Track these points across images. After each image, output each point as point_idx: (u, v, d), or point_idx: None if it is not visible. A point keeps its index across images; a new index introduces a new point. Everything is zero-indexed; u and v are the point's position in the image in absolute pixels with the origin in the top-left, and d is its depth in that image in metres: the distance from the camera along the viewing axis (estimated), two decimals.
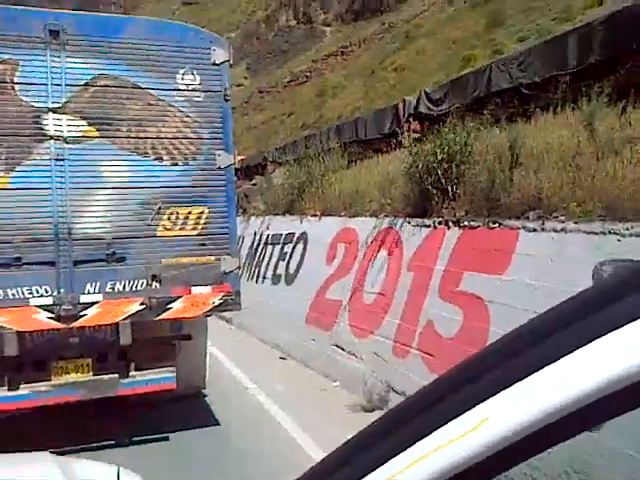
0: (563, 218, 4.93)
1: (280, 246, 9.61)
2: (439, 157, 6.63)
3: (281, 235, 9.70)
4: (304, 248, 8.79)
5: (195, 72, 5.18)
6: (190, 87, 5.18)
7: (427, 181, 6.62)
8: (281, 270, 9.28)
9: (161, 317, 5.00)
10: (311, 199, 9.51)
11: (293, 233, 9.26)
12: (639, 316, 0.43)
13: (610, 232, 4.32)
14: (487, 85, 11.01)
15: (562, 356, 0.46)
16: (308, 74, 48.58)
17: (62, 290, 4.75)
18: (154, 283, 5.02)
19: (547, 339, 0.48)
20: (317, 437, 5.03)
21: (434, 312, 5.58)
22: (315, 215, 8.97)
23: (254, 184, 14.17)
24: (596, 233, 4.41)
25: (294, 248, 9.08)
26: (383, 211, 7.37)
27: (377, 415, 0.61)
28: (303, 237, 8.93)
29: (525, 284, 4.70)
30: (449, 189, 6.44)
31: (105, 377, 4.99)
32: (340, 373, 6.71)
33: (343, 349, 6.89)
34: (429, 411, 0.53)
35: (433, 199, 6.54)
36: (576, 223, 4.70)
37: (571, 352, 0.45)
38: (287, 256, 9.22)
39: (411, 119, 12.79)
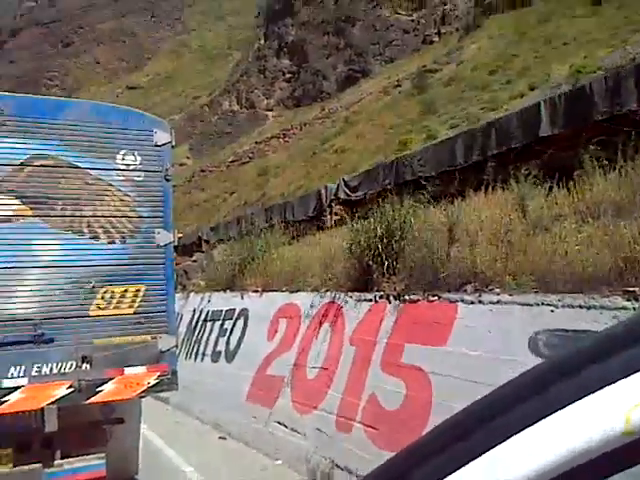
0: (499, 291, 5.09)
1: (220, 322, 9.41)
2: (379, 233, 6.81)
3: (221, 311, 9.52)
4: (245, 324, 8.63)
5: (136, 153, 5.21)
6: (130, 167, 5.19)
7: (368, 256, 6.74)
8: (221, 347, 9.03)
9: (91, 400, 4.72)
10: (252, 275, 9.46)
11: (234, 309, 9.11)
12: (598, 388, 0.42)
13: (543, 303, 4.46)
14: (395, 176, 12.58)
15: (517, 432, 0.45)
16: (251, 155, 49.69)
17: None
18: (84, 364, 4.77)
19: (504, 415, 0.46)
20: None
21: (377, 385, 5.53)
22: (256, 291, 8.89)
23: (194, 260, 14.02)
24: (530, 305, 4.56)
25: (235, 324, 8.90)
26: (325, 286, 7.39)
27: None
28: (244, 313, 8.80)
29: (465, 355, 4.76)
30: (389, 264, 6.56)
31: (26, 467, 4.60)
32: (282, 451, 6.45)
33: (285, 426, 6.67)
34: None
35: (374, 274, 6.64)
36: (511, 295, 4.85)
37: (528, 426, 0.44)
38: (227, 332, 9.01)
39: (333, 204, 13.82)
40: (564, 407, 0.42)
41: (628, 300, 3.93)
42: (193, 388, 8.40)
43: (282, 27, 67.83)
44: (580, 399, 0.41)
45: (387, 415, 5.22)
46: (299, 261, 8.75)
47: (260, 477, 6.02)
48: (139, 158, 5.21)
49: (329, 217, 13.08)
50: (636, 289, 3.99)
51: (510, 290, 5.02)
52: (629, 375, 0.40)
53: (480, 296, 5.08)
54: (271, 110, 63.86)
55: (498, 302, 4.85)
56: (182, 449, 7.08)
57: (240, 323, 8.76)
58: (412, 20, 55.97)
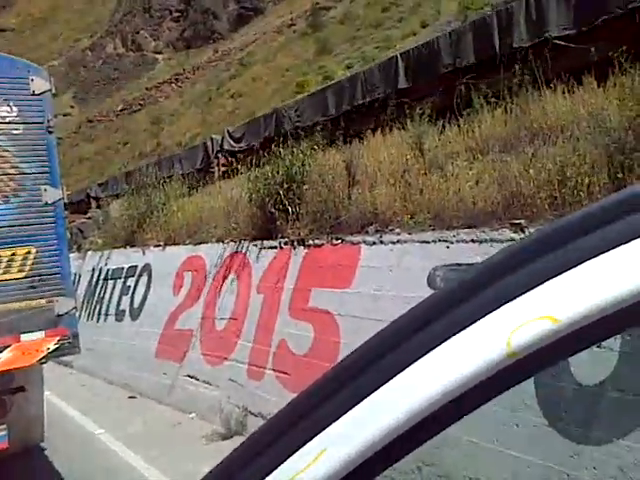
0: (398, 230, 5.24)
1: (122, 280, 9.09)
2: (279, 179, 6.76)
3: (122, 269, 9.19)
4: (149, 280, 8.40)
5: (11, 103, 4.78)
6: (7, 119, 4.77)
7: (270, 204, 6.70)
8: (125, 305, 8.76)
9: None
10: (153, 229, 9.16)
11: (136, 265, 8.82)
12: (480, 316, 0.45)
13: (440, 240, 4.66)
14: (275, 127, 12.90)
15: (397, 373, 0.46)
16: (142, 102, 47.25)
17: None
18: None
19: (387, 355, 0.48)
20: (174, 475, 4.77)
21: (286, 331, 5.62)
22: (158, 245, 8.63)
23: (89, 217, 13.34)
24: (427, 242, 4.74)
25: (138, 281, 8.63)
26: (229, 236, 7.30)
27: (236, 441, 0.57)
28: (147, 269, 8.54)
29: (370, 295, 4.91)
30: (291, 210, 6.56)
31: None
32: (195, 404, 6.46)
33: (197, 379, 6.66)
34: (274, 445, 0.51)
35: (277, 221, 6.63)
36: (410, 234, 5.02)
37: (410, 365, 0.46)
38: (130, 290, 8.73)
39: (219, 155, 13.86)
40: (450, 337, 0.45)
41: (515, 232, 4.19)
42: (97, 349, 8.15)
43: None
44: (465, 328, 0.44)
45: (297, 360, 5.33)
46: (201, 212, 8.55)
47: (175, 432, 6.01)
48: (15, 109, 4.79)
49: (216, 169, 13.15)
50: (522, 221, 4.25)
51: (409, 229, 5.19)
52: (506, 302, 0.44)
53: (381, 237, 5.22)
54: (160, 53, 60.60)
55: (398, 241, 5.01)
56: (90, 412, 6.89)
57: (143, 279, 8.51)
58: None
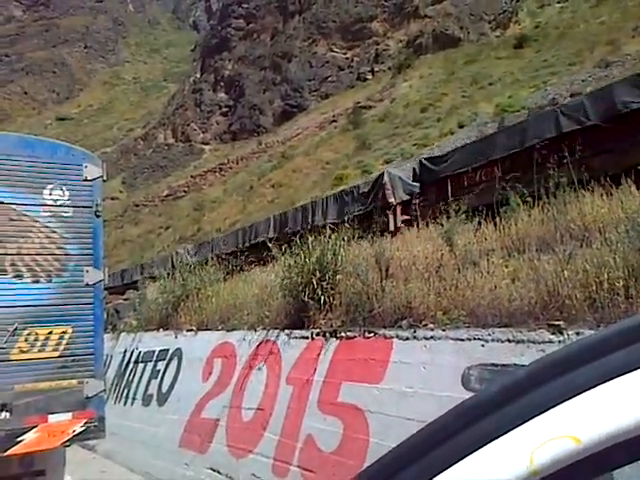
0: (432, 326, 5.16)
1: (152, 364, 9.06)
2: (311, 267, 6.80)
3: (154, 352, 9.19)
4: (178, 365, 8.35)
5: (64, 188, 5.07)
6: (58, 202, 5.03)
7: (303, 293, 6.71)
8: (153, 390, 8.68)
9: (9, 452, 4.43)
10: (187, 313, 9.22)
11: (167, 349, 8.82)
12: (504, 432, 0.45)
13: (475, 338, 4.55)
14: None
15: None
16: (186, 189, 49.16)
17: None
18: (3, 413, 4.51)
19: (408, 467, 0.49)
20: None
21: (314, 425, 5.44)
22: (191, 330, 8.66)
23: (126, 299, 13.57)
24: (462, 339, 4.64)
25: (167, 365, 8.60)
26: (261, 324, 7.29)
27: None
28: (177, 353, 8.52)
29: (401, 392, 4.77)
30: (324, 299, 6.55)
31: None
32: None
33: (219, 472, 6.43)
34: None
35: (310, 310, 6.60)
36: (444, 330, 4.93)
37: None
38: (160, 374, 8.68)
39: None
40: (475, 450, 0.45)
41: (553, 334, 4.07)
42: (122, 434, 8.00)
43: (219, 61, 68.34)
44: (490, 442, 0.45)
45: (324, 457, 5.13)
46: (235, 298, 8.60)
47: None
48: (67, 193, 5.06)
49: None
50: (560, 323, 4.14)
51: (443, 325, 5.10)
52: (531, 419, 0.44)
53: (415, 332, 5.13)
54: (207, 144, 63.63)
55: (432, 337, 4.92)
56: None
57: (173, 364, 8.47)
58: (347, 58, 57.65)
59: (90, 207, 5.17)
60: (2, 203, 4.80)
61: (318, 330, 6.34)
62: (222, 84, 66.27)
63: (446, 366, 4.59)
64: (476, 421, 0.47)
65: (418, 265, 6.55)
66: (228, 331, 7.75)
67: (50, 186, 4.98)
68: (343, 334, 5.95)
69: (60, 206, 5.02)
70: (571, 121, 9.77)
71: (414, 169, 13.02)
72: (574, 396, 0.44)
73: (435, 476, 0.46)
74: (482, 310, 5.01)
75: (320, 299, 6.60)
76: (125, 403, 9.23)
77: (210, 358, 7.67)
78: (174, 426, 7.54)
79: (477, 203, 8.55)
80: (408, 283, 6.16)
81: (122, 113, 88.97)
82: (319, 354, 6.01)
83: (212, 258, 11.35)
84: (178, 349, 8.56)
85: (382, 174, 12.64)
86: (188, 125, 66.02)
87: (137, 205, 52.57)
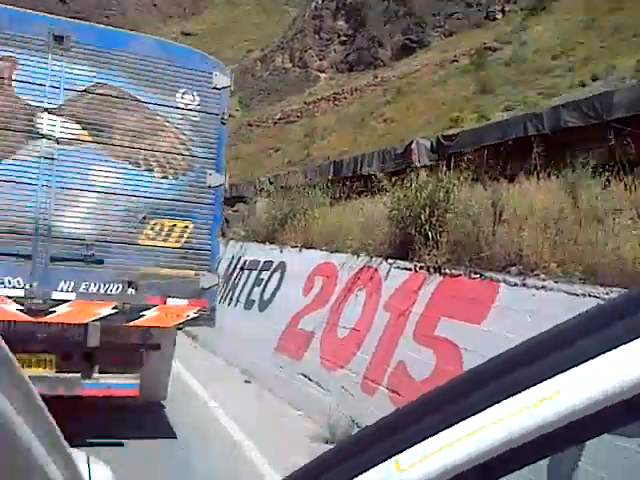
0: (544, 276, 5.03)
1: (257, 272, 9.54)
2: (422, 203, 6.76)
3: (259, 262, 9.65)
4: (281, 276, 8.74)
5: (195, 93, 5.27)
6: (189, 107, 5.26)
7: (411, 226, 6.72)
8: (255, 296, 9.19)
9: (132, 323, 4.93)
10: (293, 231, 9.52)
11: (271, 261, 9.23)
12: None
13: (590, 295, 4.41)
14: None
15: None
16: (299, 114, 49.42)
17: (35, 284, 4.69)
18: (130, 289, 4.97)
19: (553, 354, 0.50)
20: (276, 462, 4.93)
21: (407, 354, 5.57)
22: (296, 246, 8.97)
23: (236, 210, 14.16)
24: (576, 294, 4.50)
25: (271, 276, 9.02)
26: (364, 250, 7.40)
27: None
28: (281, 266, 8.90)
29: (502, 336, 4.74)
30: (431, 235, 6.53)
31: (68, 375, 4.87)
32: (305, 403, 6.60)
33: (310, 379, 6.80)
34: (358, 456, 0.55)
35: (415, 244, 6.61)
36: (556, 282, 4.80)
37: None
38: (263, 283, 9.15)
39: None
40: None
41: None
42: (224, 331, 8.59)
43: None
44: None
45: (414, 384, 5.26)
46: (340, 222, 8.76)
47: (281, 423, 6.19)
48: (198, 98, 5.27)
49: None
50: None
51: (555, 277, 4.96)
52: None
53: (524, 279, 5.04)
54: (323, 72, 63.06)
55: (543, 287, 4.80)
56: (208, 385, 7.32)
57: (276, 275, 8.87)
58: None
59: (217, 114, 5.36)
60: (139, 101, 5.09)
61: (422, 264, 6.36)
62: (343, 12, 64.65)
63: (553, 318, 4.46)
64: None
65: (535, 215, 6.33)
66: (331, 252, 7.96)
67: (182, 90, 5.20)
68: (447, 271, 5.94)
69: (190, 110, 5.25)
70: None
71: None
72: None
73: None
74: (601, 268, 4.81)
75: (427, 234, 6.58)
76: (229, 304, 9.85)
77: (312, 275, 7.95)
78: (272, 331, 8.00)
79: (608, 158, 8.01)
80: (522, 231, 6.00)
81: (243, 33, 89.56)
82: (420, 287, 6.06)
83: (320, 183, 11.55)
84: (282, 262, 8.93)
85: (412, 142, 14.20)
86: (306, 51, 65.51)
87: (250, 125, 53.71)
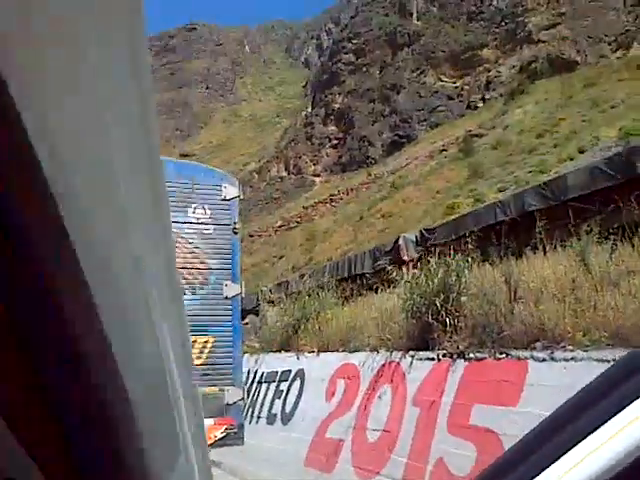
0: (571, 347, 4.90)
1: (276, 384, 9.28)
2: (435, 288, 6.72)
3: (277, 372, 9.42)
4: (301, 385, 8.49)
5: (206, 207, 5.41)
6: (201, 220, 5.38)
7: (427, 314, 6.64)
8: (277, 409, 8.87)
9: None
10: (307, 335, 9.40)
11: (289, 370, 9.01)
12: None
13: None
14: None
15: None
16: (298, 219, 50.46)
17: None
18: None
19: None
20: None
21: (444, 448, 5.30)
22: (312, 351, 8.81)
23: (246, 323, 14.05)
24: (607, 361, 4.36)
25: (290, 385, 8.77)
26: (383, 346, 7.27)
27: None
28: (300, 374, 8.68)
29: (540, 416, 4.52)
30: (449, 321, 6.44)
31: None
32: None
33: None
34: None
35: (434, 332, 6.51)
36: (585, 351, 4.67)
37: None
38: (283, 394, 8.86)
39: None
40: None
41: None
42: (248, 451, 8.22)
43: (329, 95, 70.30)
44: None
45: None
46: (354, 322, 8.67)
47: None
48: (209, 212, 5.41)
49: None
50: None
51: (582, 347, 4.84)
52: None
53: (552, 353, 4.90)
54: (318, 176, 65.25)
55: (572, 359, 4.67)
56: None
57: (296, 384, 8.62)
58: (456, 86, 57.20)
59: (229, 225, 5.49)
60: None
61: (444, 351, 6.22)
62: (332, 117, 67.98)
63: None
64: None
65: (549, 287, 6.28)
66: (350, 352, 7.80)
67: (194, 205, 5.35)
68: (471, 355, 5.80)
69: (202, 224, 5.37)
70: None
71: None
72: None
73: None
74: (627, 331, 4.70)
75: (445, 320, 6.50)
76: (250, 422, 9.48)
77: (333, 378, 7.73)
78: (299, 445, 7.63)
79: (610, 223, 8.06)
80: (539, 305, 5.92)
81: (239, 148, 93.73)
82: (446, 375, 5.88)
83: (327, 284, 11.57)
84: (301, 370, 8.72)
85: (398, 238, 14.95)
86: (300, 158, 68.17)
87: (251, 235, 54.67)
